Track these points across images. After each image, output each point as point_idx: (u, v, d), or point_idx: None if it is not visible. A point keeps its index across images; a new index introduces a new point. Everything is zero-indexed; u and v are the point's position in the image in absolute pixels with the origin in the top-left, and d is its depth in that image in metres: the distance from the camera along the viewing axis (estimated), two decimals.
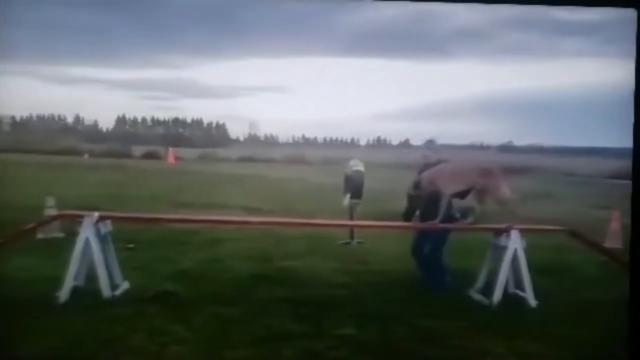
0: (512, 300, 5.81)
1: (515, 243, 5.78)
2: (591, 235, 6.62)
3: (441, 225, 6.03)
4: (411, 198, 6.31)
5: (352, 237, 9.12)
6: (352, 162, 9.43)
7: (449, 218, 6.09)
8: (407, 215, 6.41)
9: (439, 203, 5.97)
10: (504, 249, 5.81)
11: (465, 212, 6.10)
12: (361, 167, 9.32)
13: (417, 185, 6.13)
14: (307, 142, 56.30)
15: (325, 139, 57.63)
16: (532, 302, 5.72)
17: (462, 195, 6.16)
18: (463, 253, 6.93)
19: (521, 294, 5.82)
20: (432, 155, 6.46)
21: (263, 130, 57.82)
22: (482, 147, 43.61)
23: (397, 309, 5.50)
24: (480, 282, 6.07)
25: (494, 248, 6.04)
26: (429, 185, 6.02)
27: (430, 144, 6.57)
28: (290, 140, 56.92)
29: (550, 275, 6.81)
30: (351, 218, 9.06)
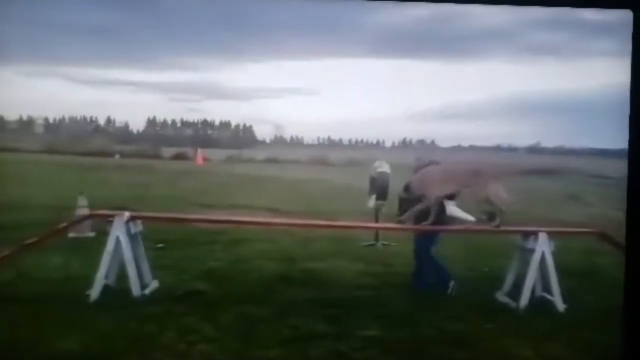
0: (539, 304, 5.74)
1: (543, 246, 5.70)
2: (620, 238, 6.48)
3: (466, 227, 5.98)
4: (402, 200, 6.29)
5: (377, 239, 9.11)
6: (377, 164, 9.41)
7: (441, 219, 6.08)
8: (400, 215, 6.37)
9: (431, 205, 5.96)
10: (531, 251, 5.74)
11: (492, 215, 6.04)
12: (386, 169, 9.29)
13: (407, 187, 6.14)
14: (332, 144, 56.26)
15: (350, 141, 57.50)
16: (560, 306, 5.63)
17: (452, 196, 6.13)
18: (490, 256, 6.87)
19: (549, 297, 5.74)
20: (424, 156, 6.49)
21: (289, 132, 58.11)
22: (510, 149, 42.87)
23: (423, 312, 5.49)
24: (507, 285, 6.01)
25: (521, 251, 5.98)
26: (418, 187, 6.02)
27: (422, 145, 6.63)
28: (316, 142, 57.01)
29: (579, 279, 6.69)
30: (376, 220, 9.04)
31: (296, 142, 56.68)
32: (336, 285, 6.53)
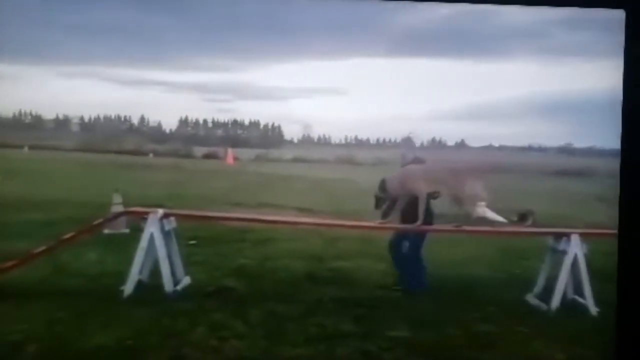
0: (571, 307, 5.64)
1: (575, 247, 5.60)
2: None
3: (507, 229, 5.87)
4: (377, 199, 6.12)
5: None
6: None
7: (428, 219, 5.97)
8: (385, 215, 6.22)
9: (417, 204, 5.84)
10: (563, 253, 5.65)
11: (523, 215, 5.97)
12: None
13: (382, 186, 6.00)
14: (359, 143, 56.09)
15: (377, 140, 57.19)
16: (593, 309, 5.53)
17: (435, 195, 6.02)
18: (521, 257, 6.78)
19: (581, 300, 5.64)
20: (409, 154, 6.38)
21: (316, 132, 58.23)
22: (540, 149, 41.98)
23: (452, 313, 5.46)
24: (538, 287, 5.93)
25: (553, 252, 5.89)
26: (397, 186, 5.92)
27: (407, 141, 6.52)
28: (343, 141, 56.97)
29: (613, 282, 6.53)
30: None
31: (323, 142, 56.74)
32: (363, 285, 6.55)
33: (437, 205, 6.12)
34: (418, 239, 6.23)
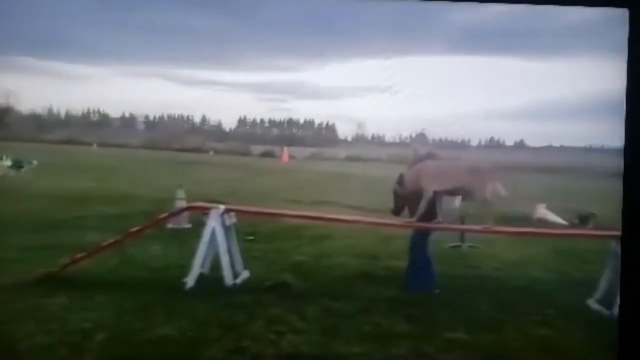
0: None
1: None
2: None
3: (565, 230, 5.72)
4: (396, 194, 6.14)
5: (462, 240, 8.92)
6: None
7: (435, 216, 5.95)
8: (396, 211, 6.20)
9: (429, 201, 5.84)
10: None
11: (584, 218, 5.76)
12: None
13: (400, 181, 6.01)
14: (415, 142, 55.25)
15: (433, 139, 56.04)
16: None
17: (451, 193, 5.99)
18: (581, 260, 6.54)
19: None
20: (421, 149, 6.32)
21: (370, 130, 57.83)
22: (603, 150, 39.81)
23: (510, 316, 5.34)
24: (600, 292, 5.70)
25: (615, 257, 5.64)
26: (412, 182, 5.92)
27: (421, 137, 6.41)
28: (397, 140, 56.29)
29: None
30: (462, 222, 8.87)
31: (377, 140, 56.26)
32: None
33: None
34: (421, 237, 6.14)
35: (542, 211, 6.27)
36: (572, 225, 5.80)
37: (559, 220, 5.91)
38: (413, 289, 6.01)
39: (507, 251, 7.77)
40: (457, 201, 8.95)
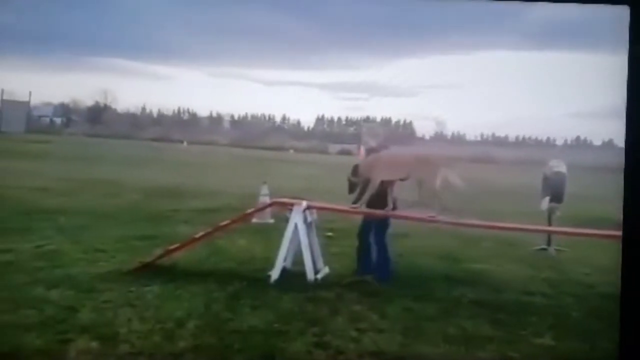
0: None
1: None
2: None
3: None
4: (350, 183, 6.42)
5: (549, 243, 8.54)
6: (552, 163, 8.83)
7: (386, 204, 6.17)
8: (355, 201, 6.38)
9: (384, 191, 6.11)
10: None
11: None
12: (563, 169, 8.68)
13: (354, 171, 6.30)
14: (497, 141, 53.18)
15: (517, 138, 53.67)
16: None
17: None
18: None
19: None
20: (372, 142, 6.59)
21: (449, 128, 56.37)
22: None
23: (603, 325, 5.04)
24: None
25: None
26: (364, 172, 6.17)
27: (371, 130, 6.24)
28: (479, 139, 54.48)
29: None
30: (549, 223, 8.50)
31: (457, 139, 54.77)
32: (504, 289, 6.32)
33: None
34: (367, 224, 6.40)
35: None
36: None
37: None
38: (361, 274, 6.26)
39: (597, 255, 7.34)
40: (545, 203, 8.60)
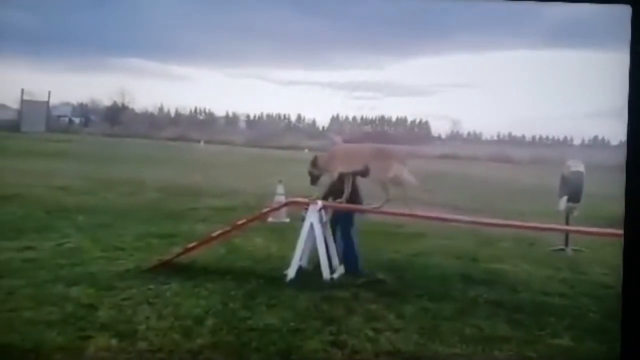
0: None
1: None
2: None
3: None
4: (310, 174, 6.65)
5: (567, 244, 8.46)
6: (570, 162, 8.74)
7: (354, 197, 6.42)
8: (325, 196, 6.65)
9: (343, 182, 6.32)
10: None
11: None
12: (581, 168, 8.59)
13: (314, 163, 6.56)
14: (513, 140, 52.55)
15: (534, 137, 52.97)
16: None
17: (361, 174, 6.30)
18: None
19: None
20: (336, 137, 7.05)
21: (465, 128, 55.87)
22: None
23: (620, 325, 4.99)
24: None
25: None
26: (323, 163, 6.46)
27: (336, 127, 6.42)
28: (495, 138, 53.89)
29: None
30: (567, 223, 8.41)
31: (473, 138, 54.26)
32: (521, 289, 6.28)
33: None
34: (346, 220, 6.54)
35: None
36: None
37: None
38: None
39: (615, 256, 7.23)
40: (563, 203, 8.52)
